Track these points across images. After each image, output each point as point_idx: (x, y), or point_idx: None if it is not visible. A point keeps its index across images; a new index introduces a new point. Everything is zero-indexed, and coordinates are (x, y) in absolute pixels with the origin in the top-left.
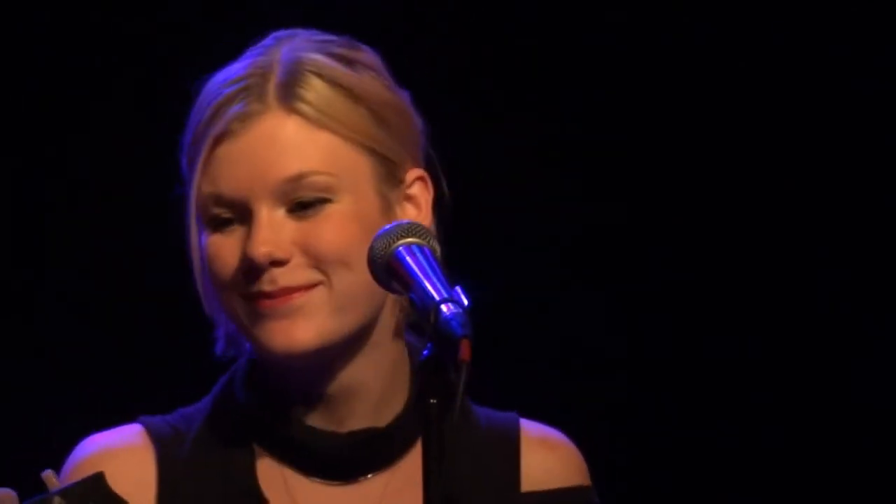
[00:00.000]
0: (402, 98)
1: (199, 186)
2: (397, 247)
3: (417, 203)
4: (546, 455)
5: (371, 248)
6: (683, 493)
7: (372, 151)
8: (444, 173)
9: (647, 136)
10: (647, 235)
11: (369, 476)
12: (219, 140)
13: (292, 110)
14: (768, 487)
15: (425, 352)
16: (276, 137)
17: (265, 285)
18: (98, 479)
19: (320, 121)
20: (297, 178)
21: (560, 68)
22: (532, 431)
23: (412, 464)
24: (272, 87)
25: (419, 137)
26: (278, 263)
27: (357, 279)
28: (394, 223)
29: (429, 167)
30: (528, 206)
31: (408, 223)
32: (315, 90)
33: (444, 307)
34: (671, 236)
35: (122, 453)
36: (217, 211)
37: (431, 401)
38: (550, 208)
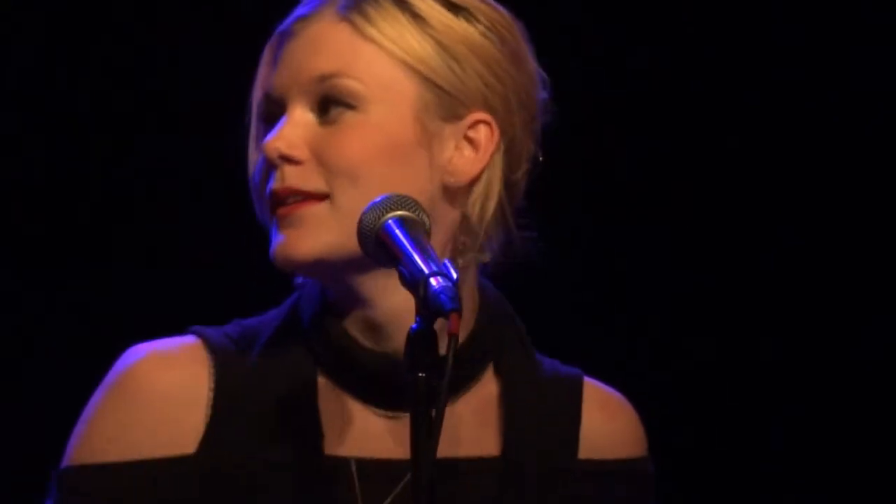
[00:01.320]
0: (504, 52)
1: (256, 86)
2: (387, 219)
3: (477, 146)
4: (607, 421)
5: (361, 221)
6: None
7: (423, 78)
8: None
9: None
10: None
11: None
12: (278, 39)
13: (345, 18)
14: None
15: (414, 326)
16: (320, 39)
17: (275, 182)
18: None
19: (369, 33)
20: (326, 78)
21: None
22: (595, 393)
23: (470, 402)
24: None
25: (508, 91)
26: (290, 161)
27: (364, 198)
28: (386, 195)
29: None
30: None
31: (398, 196)
32: (380, 7)
33: (433, 280)
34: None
35: (177, 361)
36: (267, 112)
37: (420, 374)
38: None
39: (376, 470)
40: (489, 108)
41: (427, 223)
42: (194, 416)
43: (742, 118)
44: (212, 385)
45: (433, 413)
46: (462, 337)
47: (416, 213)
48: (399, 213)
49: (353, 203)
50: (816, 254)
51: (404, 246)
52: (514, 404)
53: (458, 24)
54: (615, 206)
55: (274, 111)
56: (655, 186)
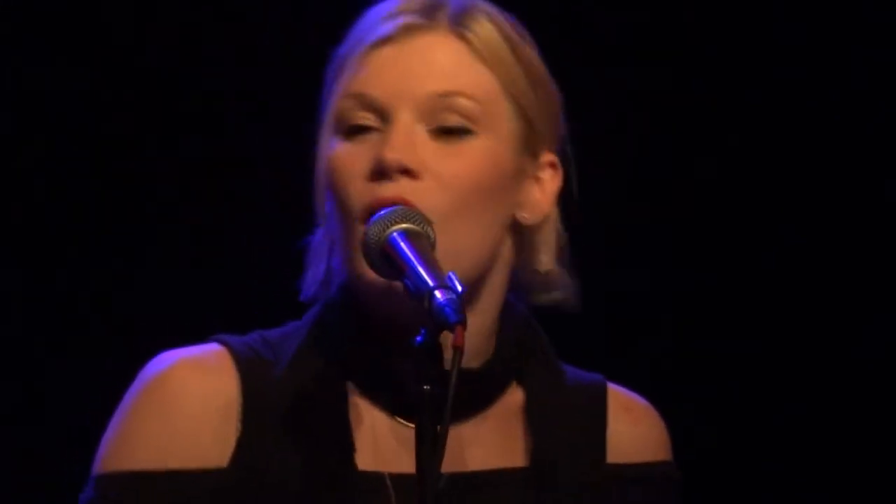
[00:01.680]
0: (554, 85)
1: (346, 87)
2: (392, 232)
3: (543, 187)
4: (632, 425)
5: (366, 233)
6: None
7: (521, 109)
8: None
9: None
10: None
11: (456, 423)
12: (379, 44)
13: (460, 35)
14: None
15: (419, 338)
16: (436, 52)
17: (386, 191)
18: None
19: (483, 55)
20: (446, 95)
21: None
22: (619, 398)
23: (493, 414)
24: (445, 12)
25: (561, 128)
26: (408, 174)
27: (464, 226)
28: (391, 208)
29: (563, 164)
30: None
31: (402, 209)
32: (484, 28)
33: (437, 293)
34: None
35: (207, 370)
36: (357, 114)
37: (425, 387)
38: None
39: (412, 484)
40: (552, 147)
41: (432, 236)
42: (225, 428)
43: (743, 117)
44: (240, 397)
45: (440, 427)
46: (486, 355)
47: (421, 225)
48: (404, 225)
49: (456, 233)
50: (818, 252)
51: (409, 259)
52: (539, 414)
53: (534, 58)
54: (616, 204)
55: (364, 116)
56: (655, 185)
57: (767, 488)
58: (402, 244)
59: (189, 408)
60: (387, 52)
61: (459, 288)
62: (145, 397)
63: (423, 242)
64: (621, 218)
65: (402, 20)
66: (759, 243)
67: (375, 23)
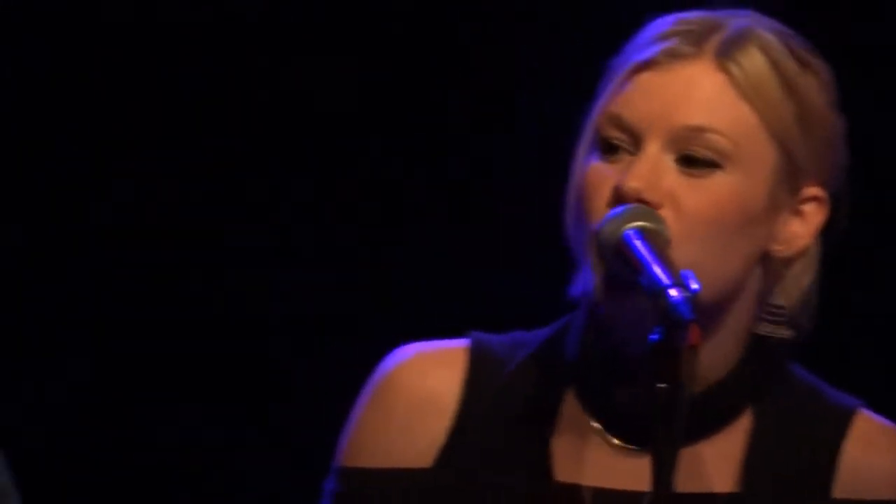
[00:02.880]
0: (836, 118)
1: (604, 105)
2: (626, 230)
3: (806, 220)
4: (873, 457)
5: (600, 231)
6: None
7: (782, 146)
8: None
9: None
10: None
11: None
12: (641, 67)
13: (723, 68)
14: None
15: (654, 336)
16: (696, 84)
17: None
18: None
19: (746, 91)
20: (699, 130)
21: None
22: (867, 427)
23: (721, 438)
24: (717, 38)
25: (835, 163)
26: (646, 205)
27: (697, 258)
28: (624, 206)
29: (834, 198)
30: None
31: (637, 207)
32: (753, 62)
33: (672, 291)
34: None
35: (436, 369)
36: (611, 133)
37: (661, 386)
38: None
39: (612, 500)
40: (819, 181)
41: (667, 234)
42: (438, 428)
43: None
44: (461, 398)
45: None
46: (719, 377)
47: (657, 224)
48: (639, 223)
49: (691, 265)
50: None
51: (643, 257)
52: (762, 439)
53: (812, 89)
54: None
55: (618, 136)
56: None
57: None
58: (637, 242)
59: (406, 407)
60: (647, 77)
61: (695, 287)
62: (372, 392)
63: (657, 240)
64: None
65: (669, 44)
66: None
67: (646, 41)
